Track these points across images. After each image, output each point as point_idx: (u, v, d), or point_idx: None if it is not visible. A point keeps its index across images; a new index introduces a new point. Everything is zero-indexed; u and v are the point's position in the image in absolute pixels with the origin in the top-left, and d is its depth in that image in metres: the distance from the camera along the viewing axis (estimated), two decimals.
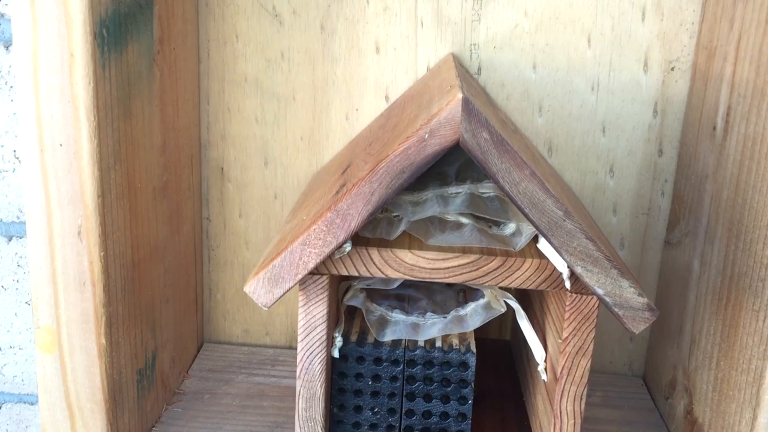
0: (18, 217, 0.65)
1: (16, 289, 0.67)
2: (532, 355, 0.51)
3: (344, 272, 0.43)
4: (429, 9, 0.58)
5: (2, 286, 0.67)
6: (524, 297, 0.53)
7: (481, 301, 0.49)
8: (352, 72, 0.60)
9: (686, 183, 0.57)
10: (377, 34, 0.59)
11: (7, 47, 0.62)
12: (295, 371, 0.63)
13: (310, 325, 0.44)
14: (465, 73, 0.54)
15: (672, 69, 0.58)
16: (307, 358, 0.44)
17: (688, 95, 0.58)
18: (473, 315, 0.49)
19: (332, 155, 0.62)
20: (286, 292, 0.41)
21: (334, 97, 0.60)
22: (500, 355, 0.61)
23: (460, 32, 0.59)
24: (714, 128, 0.52)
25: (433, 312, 0.50)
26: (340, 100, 0.61)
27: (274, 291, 0.41)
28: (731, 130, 0.49)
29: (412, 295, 0.52)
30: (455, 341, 0.49)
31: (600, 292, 0.40)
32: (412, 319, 0.49)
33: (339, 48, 0.60)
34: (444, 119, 0.37)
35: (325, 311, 0.44)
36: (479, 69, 0.59)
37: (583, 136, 0.60)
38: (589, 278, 0.39)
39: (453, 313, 0.50)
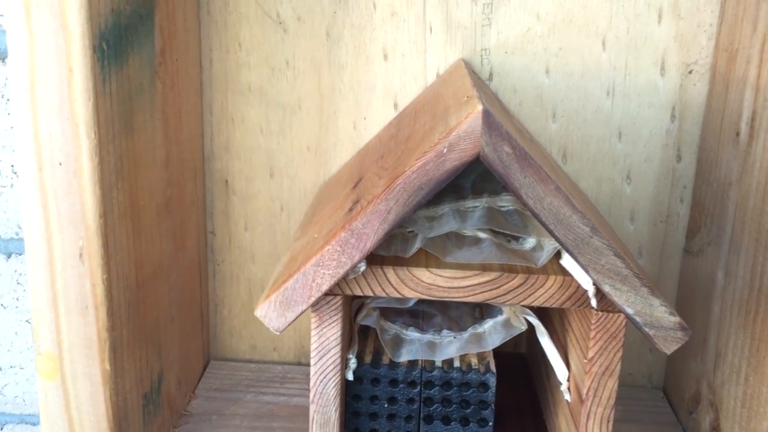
0: (17, 234, 0.64)
1: (16, 307, 0.65)
2: (552, 372, 0.50)
3: (359, 293, 0.41)
4: (438, 14, 0.56)
5: (2, 305, 0.65)
6: (543, 312, 0.51)
7: (500, 318, 0.47)
8: (360, 79, 0.58)
9: (707, 190, 0.55)
10: (385, 40, 0.57)
11: (3, 59, 0.60)
12: (305, 389, 0.61)
13: (324, 348, 0.42)
14: (478, 80, 0.52)
15: (690, 72, 0.56)
16: (321, 382, 0.43)
17: (707, 99, 0.56)
18: (492, 333, 0.47)
19: (340, 165, 0.60)
20: (299, 316, 0.39)
21: (341, 106, 0.59)
22: (516, 370, 0.59)
23: (471, 37, 0.57)
24: (737, 134, 0.50)
25: (449, 329, 0.48)
26: (347, 109, 0.59)
27: (286, 315, 0.39)
28: (757, 136, 0.47)
29: (425, 311, 0.51)
30: (474, 360, 0.47)
31: (629, 311, 0.38)
32: (428, 337, 0.48)
33: (345, 55, 0.58)
34: (464, 133, 0.36)
35: (339, 333, 0.42)
36: (490, 74, 0.57)
37: (599, 142, 0.58)
38: (618, 297, 0.38)
39: (470, 330, 0.48)
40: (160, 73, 0.48)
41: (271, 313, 0.39)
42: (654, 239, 0.60)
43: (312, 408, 0.43)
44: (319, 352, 0.42)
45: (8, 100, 0.61)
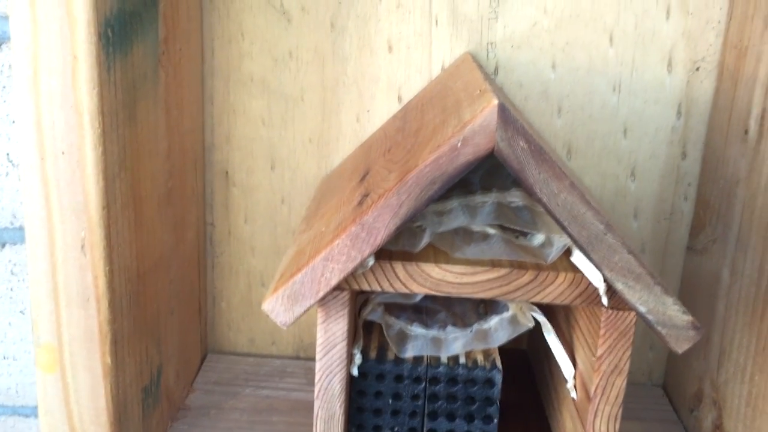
0: (12, 223, 0.62)
1: (10, 297, 0.64)
2: (556, 370, 0.49)
3: (366, 287, 0.40)
4: (444, 6, 0.56)
5: None
6: (548, 309, 0.51)
7: (506, 315, 0.47)
8: (364, 72, 0.57)
9: (713, 187, 0.55)
10: (390, 32, 0.56)
11: None
12: (304, 383, 0.61)
13: (330, 343, 0.41)
14: (487, 74, 0.52)
15: (697, 69, 0.56)
16: (326, 377, 0.42)
17: (714, 96, 0.56)
18: (498, 329, 0.46)
19: (342, 158, 0.59)
20: (306, 310, 0.39)
21: (344, 98, 0.58)
22: (518, 366, 0.59)
23: (477, 30, 0.56)
24: (746, 131, 0.50)
25: (454, 325, 0.48)
26: (350, 101, 0.58)
27: (294, 309, 0.38)
28: (767, 133, 0.47)
29: (429, 307, 0.50)
30: (479, 357, 0.47)
31: (642, 309, 0.37)
32: (433, 333, 0.47)
33: (350, 47, 0.57)
34: (478, 127, 0.35)
35: (345, 328, 0.41)
36: (496, 68, 0.57)
37: (604, 138, 0.58)
38: (631, 295, 0.37)
39: (476, 326, 0.47)
40: (163, 62, 0.47)
41: (279, 308, 0.38)
42: (657, 237, 0.59)
43: (317, 403, 0.43)
44: (325, 347, 0.41)
45: (4, 87, 0.59)
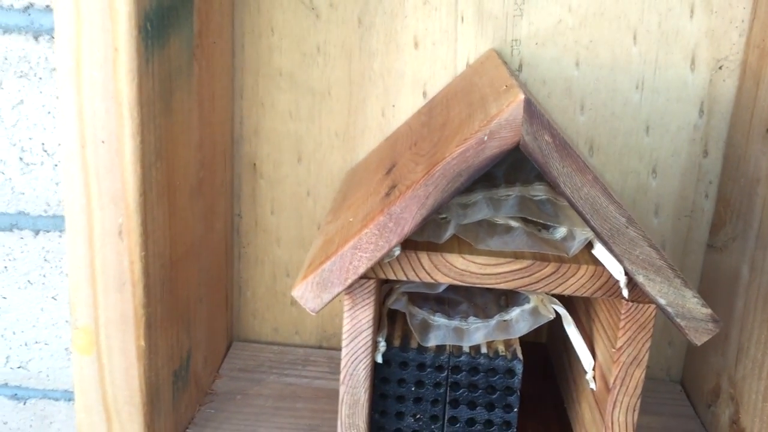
0: (45, 211, 0.64)
1: (43, 284, 0.66)
2: (575, 361, 0.50)
3: (392, 276, 0.42)
4: (470, 3, 0.57)
5: (29, 281, 0.66)
6: (567, 301, 0.52)
7: (527, 306, 0.48)
8: (390, 67, 0.58)
9: (734, 185, 0.55)
10: (416, 29, 0.58)
11: (36, 38, 0.60)
12: (327, 371, 0.62)
13: (356, 330, 0.43)
14: (512, 71, 0.53)
15: (720, 68, 0.56)
16: (352, 363, 0.43)
17: (737, 95, 0.56)
18: (519, 321, 0.47)
19: (367, 152, 0.60)
20: (334, 297, 0.40)
21: (370, 93, 0.59)
22: (537, 359, 0.60)
23: (502, 27, 0.57)
24: (767, 130, 0.50)
25: (475, 316, 0.49)
26: (376, 96, 0.59)
27: (322, 296, 0.40)
28: None
29: (451, 298, 0.51)
30: (501, 347, 0.48)
31: (662, 302, 0.38)
32: (455, 323, 0.48)
33: (376, 42, 0.58)
34: (504, 121, 0.36)
35: (371, 316, 0.42)
36: (520, 65, 0.58)
37: (626, 135, 0.58)
38: (651, 288, 0.38)
39: (497, 318, 0.48)
40: (197, 54, 0.49)
41: (308, 294, 0.40)
42: (677, 233, 0.60)
43: (342, 389, 0.44)
44: (351, 334, 0.43)
45: (40, 78, 0.61)
